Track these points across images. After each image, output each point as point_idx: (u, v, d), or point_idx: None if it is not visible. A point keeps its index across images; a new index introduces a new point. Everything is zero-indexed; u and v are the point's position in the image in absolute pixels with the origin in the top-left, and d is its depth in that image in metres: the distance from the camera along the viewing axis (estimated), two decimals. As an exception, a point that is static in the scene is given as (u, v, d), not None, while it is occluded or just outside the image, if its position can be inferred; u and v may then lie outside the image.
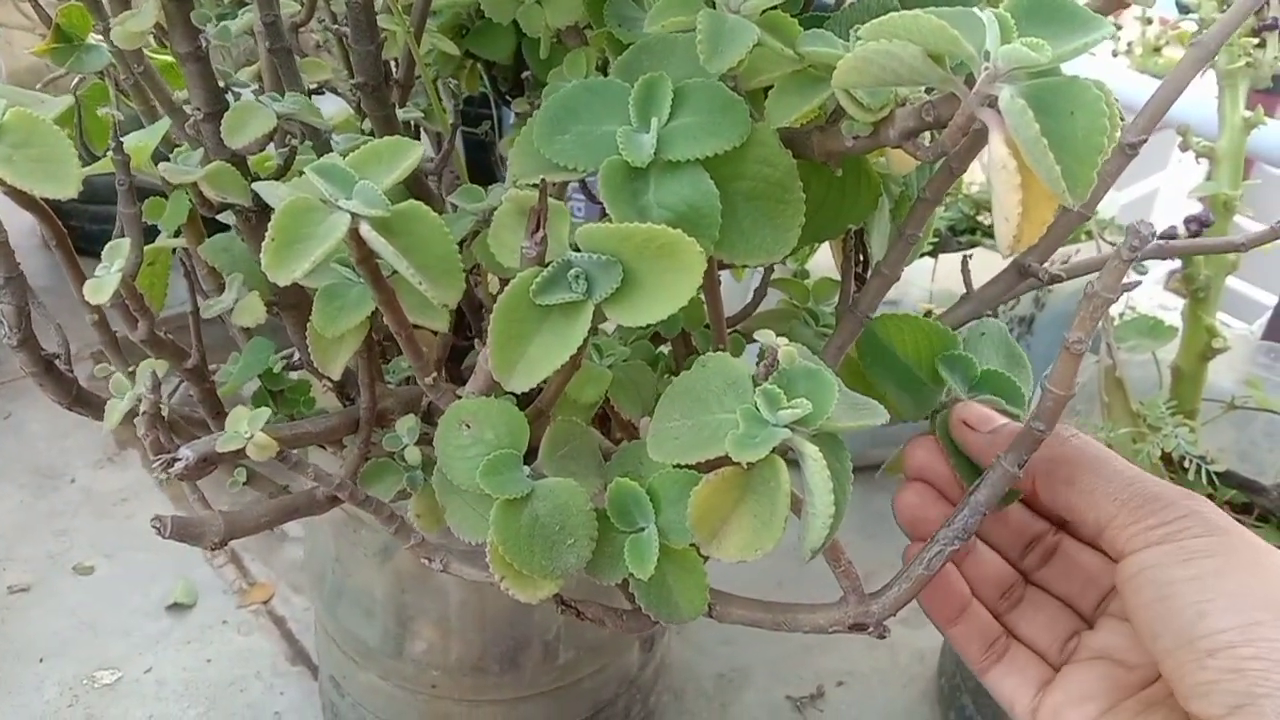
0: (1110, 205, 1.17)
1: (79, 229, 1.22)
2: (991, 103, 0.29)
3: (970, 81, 0.30)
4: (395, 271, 0.37)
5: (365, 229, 0.34)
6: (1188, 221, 0.78)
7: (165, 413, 0.45)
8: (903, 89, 0.34)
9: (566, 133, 0.37)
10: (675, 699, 0.90)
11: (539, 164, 0.38)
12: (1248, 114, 0.77)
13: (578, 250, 0.35)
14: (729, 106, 0.36)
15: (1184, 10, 0.91)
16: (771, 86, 0.37)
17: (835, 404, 0.35)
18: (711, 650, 0.95)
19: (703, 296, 0.45)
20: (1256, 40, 0.80)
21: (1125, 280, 0.35)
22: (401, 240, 0.34)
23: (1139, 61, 1.15)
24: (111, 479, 1.11)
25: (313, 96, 0.58)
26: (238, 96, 0.41)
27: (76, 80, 0.55)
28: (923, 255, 1.04)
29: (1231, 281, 1.45)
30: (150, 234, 0.52)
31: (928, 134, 0.37)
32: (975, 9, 0.31)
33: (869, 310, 0.43)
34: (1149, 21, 1.23)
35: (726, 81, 0.37)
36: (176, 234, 0.53)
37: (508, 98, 0.67)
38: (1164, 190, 1.69)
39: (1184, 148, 0.79)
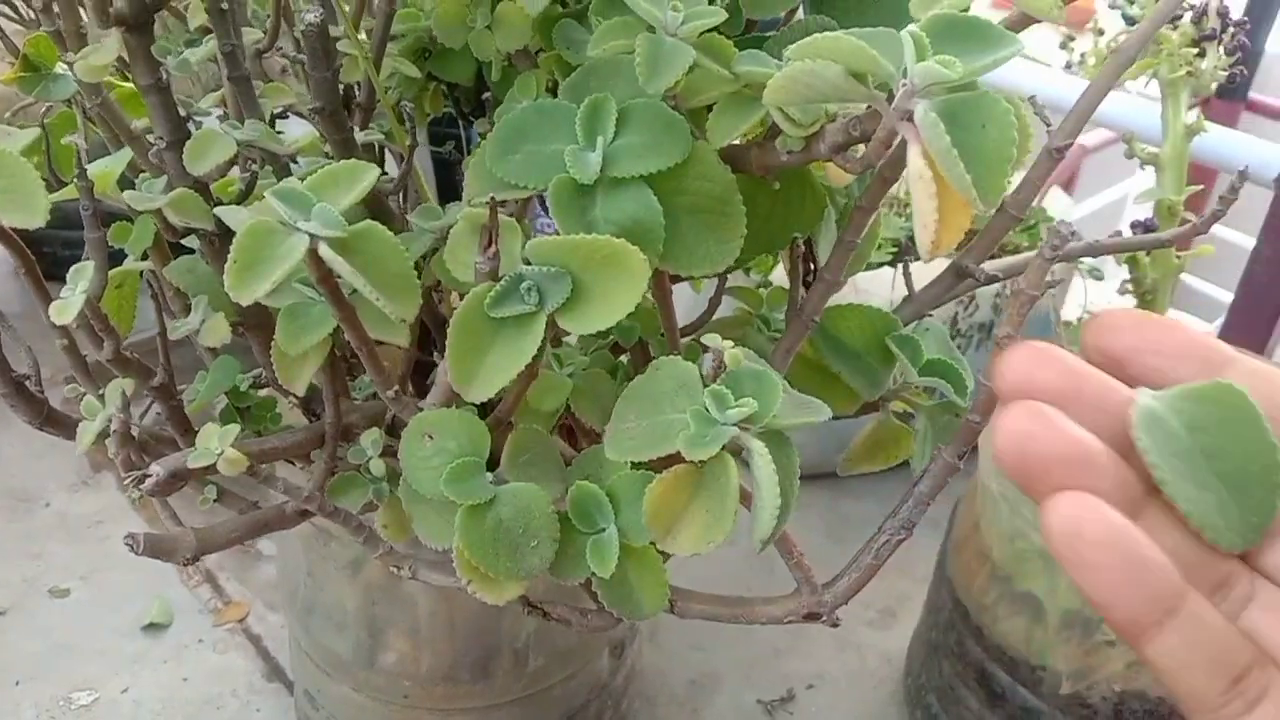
0: (1071, 210, 1.20)
1: (51, 255, 1.23)
2: (909, 117, 0.31)
3: (891, 97, 0.32)
4: (355, 290, 0.38)
5: (323, 249, 0.35)
6: (1134, 226, 0.80)
7: (135, 432, 0.47)
8: (832, 105, 0.36)
9: (517, 153, 0.39)
10: (647, 704, 0.91)
11: (492, 183, 0.39)
12: (1189, 121, 0.79)
13: (529, 264, 0.37)
14: (670, 125, 0.38)
15: (1130, 22, 0.94)
16: (711, 105, 0.39)
17: (780, 403, 0.37)
18: (683, 656, 0.96)
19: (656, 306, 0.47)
20: (1197, 50, 0.83)
21: (1049, 278, 0.37)
22: (359, 259, 0.36)
23: (1091, 72, 1.18)
24: (86, 502, 1.11)
25: (278, 120, 0.60)
26: (199, 125, 0.42)
27: (45, 108, 0.56)
28: (883, 264, 1.06)
29: (1193, 280, 1.48)
30: (119, 258, 0.54)
31: (860, 146, 0.38)
32: (898, 29, 0.33)
33: (814, 313, 0.45)
34: (1100, 33, 1.26)
35: (668, 101, 0.39)
36: (144, 257, 0.54)
37: (471, 118, 0.69)
38: (1132, 196, 1.73)
39: (1129, 155, 0.81)
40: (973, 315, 1.09)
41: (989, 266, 0.49)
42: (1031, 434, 0.27)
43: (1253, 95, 1.41)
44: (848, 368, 0.48)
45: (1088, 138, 1.44)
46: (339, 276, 0.37)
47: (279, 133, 0.58)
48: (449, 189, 1.22)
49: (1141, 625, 0.26)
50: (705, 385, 0.37)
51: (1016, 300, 0.38)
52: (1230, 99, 1.38)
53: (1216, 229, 1.47)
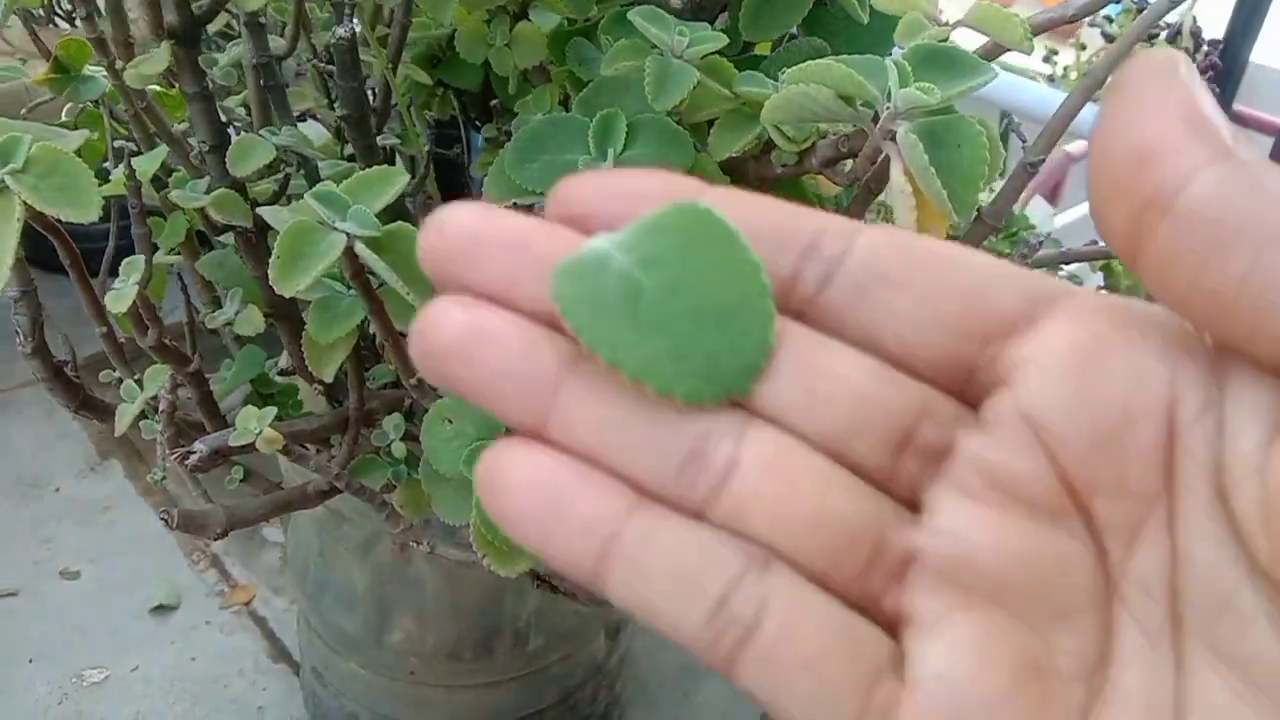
0: (1051, 218, 1.24)
1: (50, 246, 1.26)
2: (892, 137, 0.35)
3: (876, 119, 0.36)
4: (383, 284, 0.42)
5: (359, 247, 0.39)
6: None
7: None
8: (823, 124, 0.40)
9: (534, 161, 0.43)
10: (641, 687, 0.95)
11: (511, 189, 0.43)
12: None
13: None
14: (675, 139, 0.41)
15: (1110, 40, 0.98)
16: (712, 120, 0.42)
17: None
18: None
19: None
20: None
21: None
22: (389, 257, 0.39)
23: (1071, 84, 1.22)
24: (94, 488, 1.14)
25: (297, 124, 0.64)
26: (238, 131, 0.45)
27: (79, 109, 0.60)
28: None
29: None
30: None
31: (848, 162, 0.42)
32: (884, 53, 0.37)
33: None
34: (1083, 47, 1.30)
35: (673, 116, 0.42)
36: (172, 251, 0.58)
37: (477, 123, 0.73)
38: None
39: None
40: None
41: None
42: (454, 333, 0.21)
43: (1237, 107, 1.44)
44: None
45: (1074, 146, 1.48)
46: (370, 272, 0.40)
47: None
48: (452, 190, 1.26)
49: (585, 569, 0.22)
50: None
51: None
52: (1216, 98, 1.41)
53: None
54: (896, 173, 0.35)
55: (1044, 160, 0.51)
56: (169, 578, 1.03)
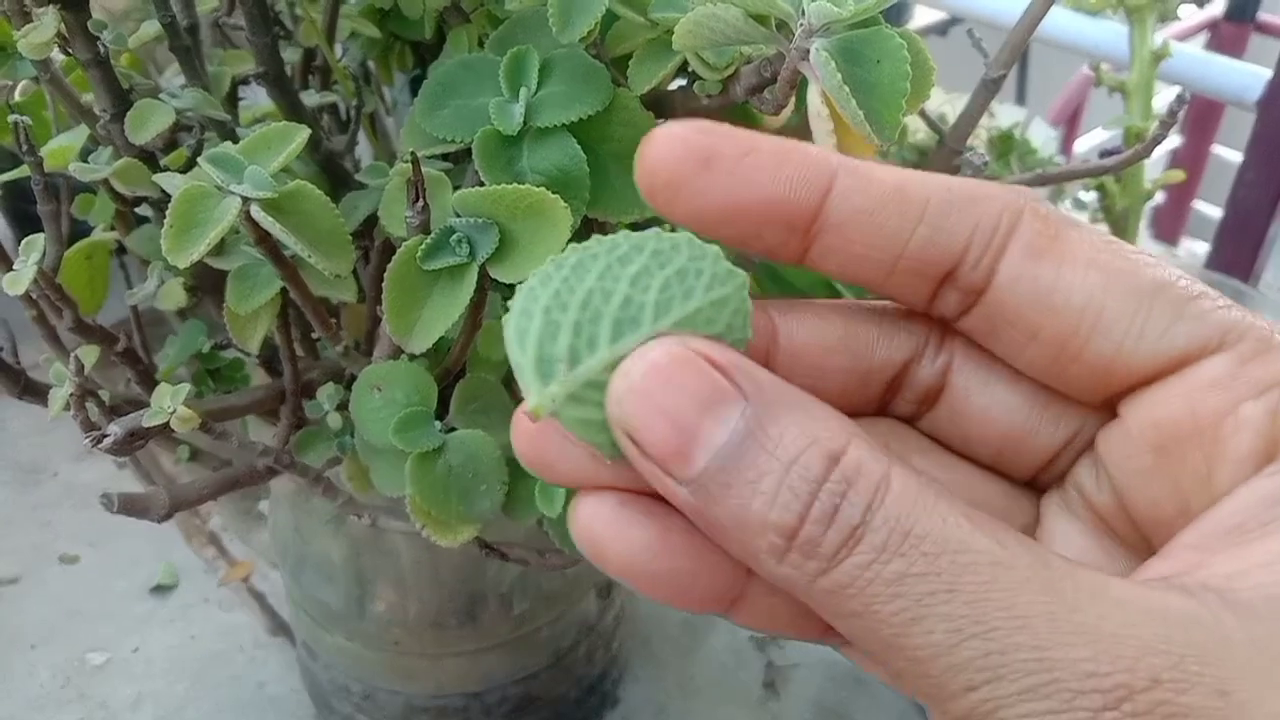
0: (1053, 139, 1.19)
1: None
2: (807, 55, 0.32)
3: (792, 38, 0.33)
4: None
5: (255, 210, 0.36)
6: (1103, 154, 0.80)
7: (107, 396, 0.48)
8: (746, 48, 0.37)
9: (446, 107, 0.40)
10: (642, 644, 0.93)
11: (423, 138, 0.41)
12: (1156, 46, 0.79)
13: (459, 216, 0.38)
14: (591, 74, 0.39)
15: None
16: (632, 54, 0.39)
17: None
18: (679, 598, 0.98)
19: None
20: (1164, -27, 0.83)
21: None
22: (291, 219, 0.37)
23: (1070, 2, 1.17)
24: (92, 471, 1.14)
25: (241, 87, 0.61)
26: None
27: (16, 86, 0.57)
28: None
29: (1197, 205, 1.45)
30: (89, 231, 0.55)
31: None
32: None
33: (754, 253, 0.46)
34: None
35: (590, 51, 0.39)
36: (112, 228, 0.56)
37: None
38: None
39: (1097, 83, 0.81)
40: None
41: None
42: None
43: (1262, 16, 1.34)
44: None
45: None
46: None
47: (241, 99, 0.59)
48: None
49: (719, 607, 0.23)
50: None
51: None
52: (1238, 21, 1.32)
53: (1218, 150, 1.45)
54: (813, 95, 0.32)
55: (1005, 75, 0.48)
56: (167, 557, 1.02)
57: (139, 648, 0.94)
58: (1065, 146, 1.37)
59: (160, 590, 0.99)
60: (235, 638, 0.94)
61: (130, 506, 0.47)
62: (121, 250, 0.60)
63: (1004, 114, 1.17)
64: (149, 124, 0.41)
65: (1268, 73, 0.89)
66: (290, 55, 0.62)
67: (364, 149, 0.66)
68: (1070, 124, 1.42)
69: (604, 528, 0.22)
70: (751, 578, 0.22)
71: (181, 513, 1.08)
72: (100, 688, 0.90)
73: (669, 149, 0.23)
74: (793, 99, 0.38)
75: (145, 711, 0.89)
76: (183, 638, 0.94)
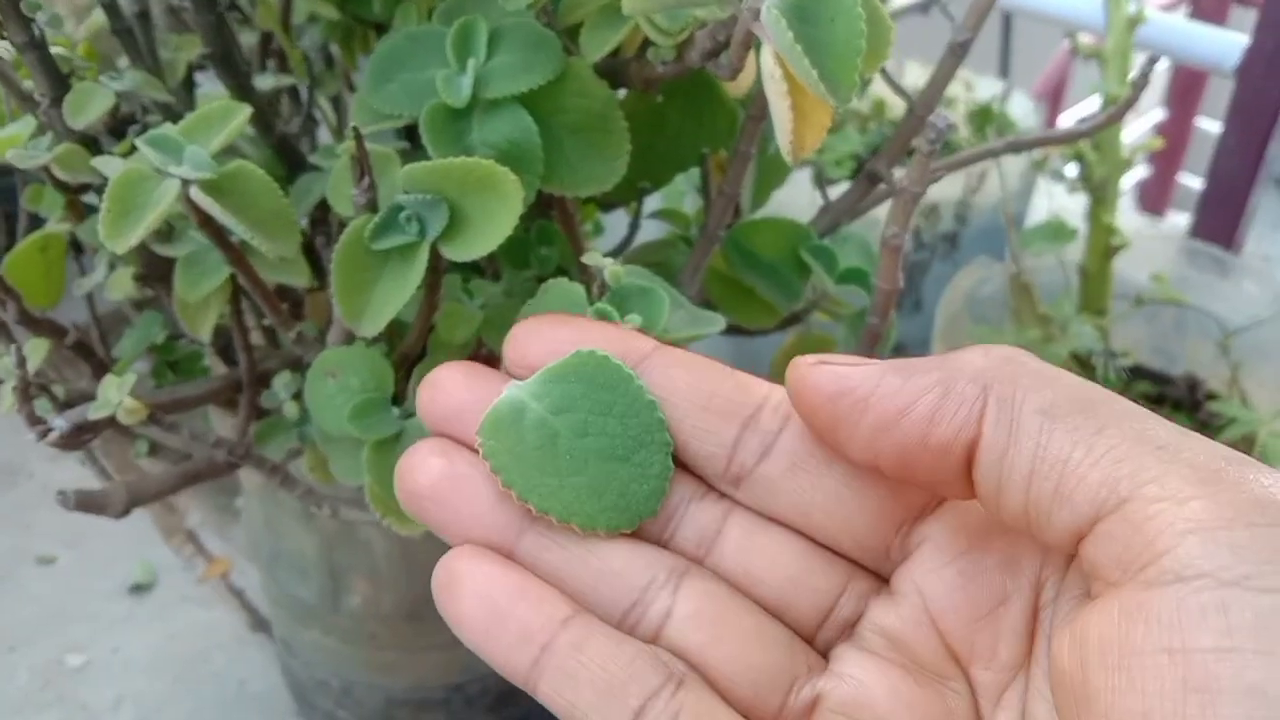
0: (1033, 112, 1.18)
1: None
2: (760, 16, 0.31)
3: (744, -2, 0.31)
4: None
5: (195, 192, 0.35)
6: (1081, 121, 0.79)
7: (61, 391, 0.47)
8: (700, 12, 0.36)
9: (392, 81, 0.39)
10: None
11: (371, 114, 0.39)
12: (1131, 12, 0.78)
13: (407, 194, 0.36)
14: (541, 43, 0.37)
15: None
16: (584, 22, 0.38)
17: (672, 316, 0.37)
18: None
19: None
20: (1140, -61, 0.81)
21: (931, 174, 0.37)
22: (232, 200, 0.36)
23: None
24: (69, 472, 1.12)
25: (199, 75, 0.59)
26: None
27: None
28: (841, 180, 1.05)
29: (1182, 177, 1.45)
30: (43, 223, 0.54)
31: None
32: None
33: (717, 228, 0.45)
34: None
35: (540, 19, 0.38)
36: (65, 219, 0.54)
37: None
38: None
39: (1073, 50, 0.80)
40: (938, 227, 1.08)
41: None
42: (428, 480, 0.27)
43: None
44: (762, 281, 0.48)
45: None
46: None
47: (198, 87, 0.58)
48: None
49: (519, 671, 0.25)
50: (591, 304, 0.37)
51: (900, 199, 0.37)
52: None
53: (1202, 122, 1.44)
54: (767, 56, 0.31)
55: (971, 39, 0.47)
56: (145, 556, 1.01)
57: (118, 648, 0.92)
58: (1050, 121, 1.36)
59: (139, 589, 0.97)
60: (215, 635, 0.93)
61: (87, 504, 0.46)
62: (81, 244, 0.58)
63: (983, 87, 1.16)
64: (88, 108, 0.40)
65: (1245, 39, 0.88)
66: (248, 38, 0.60)
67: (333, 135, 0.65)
68: (1054, 98, 1.40)
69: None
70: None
71: (158, 511, 1.07)
72: (80, 689, 0.89)
73: None
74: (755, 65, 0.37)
75: (126, 712, 0.88)
76: (162, 636, 0.93)
